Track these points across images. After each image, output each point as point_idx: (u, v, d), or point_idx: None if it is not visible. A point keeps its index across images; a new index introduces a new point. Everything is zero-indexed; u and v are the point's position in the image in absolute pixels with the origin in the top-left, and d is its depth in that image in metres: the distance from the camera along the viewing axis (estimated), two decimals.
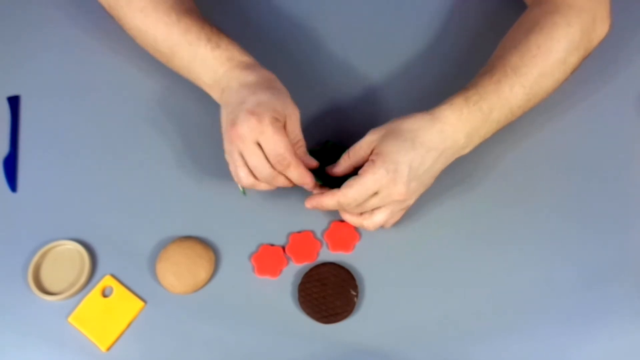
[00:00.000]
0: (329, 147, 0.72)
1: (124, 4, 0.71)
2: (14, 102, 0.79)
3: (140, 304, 0.66)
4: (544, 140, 0.74)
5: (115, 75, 0.80)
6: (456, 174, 0.72)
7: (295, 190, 0.72)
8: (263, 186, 0.66)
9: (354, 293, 0.63)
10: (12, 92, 0.80)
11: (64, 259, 0.69)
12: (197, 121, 0.77)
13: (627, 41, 0.80)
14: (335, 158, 0.70)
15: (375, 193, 0.63)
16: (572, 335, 0.64)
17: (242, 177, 0.64)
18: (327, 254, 0.69)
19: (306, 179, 0.65)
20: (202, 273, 0.67)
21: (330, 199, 0.64)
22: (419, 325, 0.65)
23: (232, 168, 0.66)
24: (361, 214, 0.66)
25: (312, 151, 0.72)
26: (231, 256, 0.69)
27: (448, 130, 0.63)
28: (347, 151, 0.66)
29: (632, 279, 0.66)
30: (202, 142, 0.75)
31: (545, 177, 0.72)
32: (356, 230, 0.70)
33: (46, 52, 0.82)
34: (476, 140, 0.65)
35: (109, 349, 0.65)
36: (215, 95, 0.69)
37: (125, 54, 0.80)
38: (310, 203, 0.65)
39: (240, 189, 0.69)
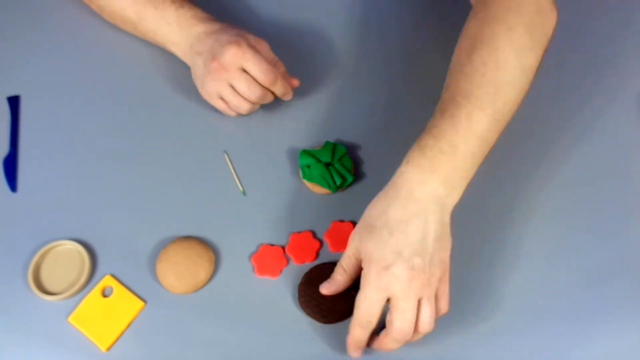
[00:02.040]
0: (329, 147, 0.72)
1: None
2: (14, 102, 0.79)
3: (140, 304, 0.66)
4: (543, 140, 0.74)
5: (115, 75, 0.80)
6: None
7: (295, 190, 0.72)
8: (256, 107, 0.72)
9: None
10: (12, 92, 0.80)
11: (64, 259, 0.69)
12: (197, 121, 0.77)
13: (627, 41, 0.80)
14: (334, 157, 0.70)
15: (388, 300, 0.57)
16: (572, 335, 0.64)
17: (239, 104, 0.70)
18: (327, 254, 0.69)
19: (288, 89, 0.71)
20: (202, 273, 0.67)
21: (354, 330, 0.59)
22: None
23: (221, 106, 0.72)
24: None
25: (312, 151, 0.72)
26: (231, 256, 0.69)
27: (416, 190, 0.57)
28: (339, 266, 0.62)
29: (632, 279, 0.66)
30: (202, 142, 0.75)
31: (544, 177, 0.72)
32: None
33: (46, 52, 0.82)
34: (459, 182, 0.58)
35: (109, 349, 0.65)
36: (182, 52, 0.73)
37: (125, 54, 0.80)
38: (356, 353, 0.61)
39: (241, 189, 0.69)
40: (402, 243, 0.56)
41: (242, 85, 0.68)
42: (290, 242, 0.69)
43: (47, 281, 0.68)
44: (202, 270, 0.67)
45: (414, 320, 0.57)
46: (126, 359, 0.65)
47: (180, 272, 0.67)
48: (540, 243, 0.69)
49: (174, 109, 0.78)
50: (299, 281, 0.67)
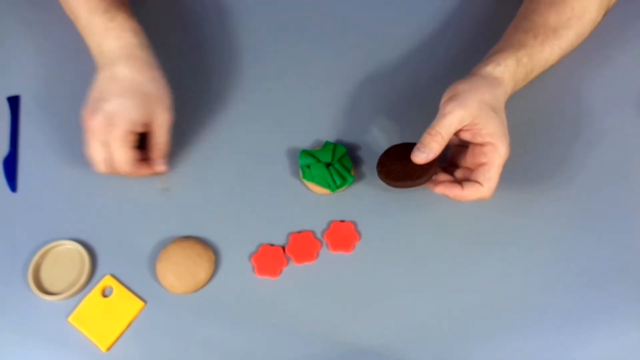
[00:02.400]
0: (329, 147, 0.72)
1: None
2: (14, 102, 0.79)
3: (140, 304, 0.66)
4: (543, 140, 0.74)
5: None
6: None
7: (295, 190, 0.72)
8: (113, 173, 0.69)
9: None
10: (12, 92, 0.80)
11: (64, 259, 0.69)
12: (196, 121, 0.76)
13: (627, 41, 0.80)
14: (334, 157, 0.70)
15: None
16: (572, 335, 0.64)
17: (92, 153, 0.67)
18: (327, 254, 0.69)
19: (141, 174, 0.69)
20: (202, 273, 0.67)
21: (473, 194, 0.63)
22: (419, 325, 0.65)
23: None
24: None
25: (312, 151, 0.72)
26: (231, 256, 0.69)
27: (508, 91, 0.65)
28: (433, 133, 0.62)
29: (632, 279, 0.66)
30: (202, 142, 0.75)
31: (544, 177, 0.72)
32: (356, 230, 0.70)
33: (46, 52, 0.82)
34: (511, 95, 0.67)
35: (109, 349, 0.65)
36: (98, 62, 0.70)
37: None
38: (442, 191, 0.64)
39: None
40: (506, 122, 0.64)
41: (93, 152, 0.67)
42: (290, 242, 0.69)
43: (47, 281, 0.68)
44: (202, 270, 0.67)
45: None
46: (126, 359, 0.65)
47: (180, 272, 0.67)
48: (540, 243, 0.69)
49: (174, 109, 0.78)
50: (299, 281, 0.67)
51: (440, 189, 0.64)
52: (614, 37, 0.80)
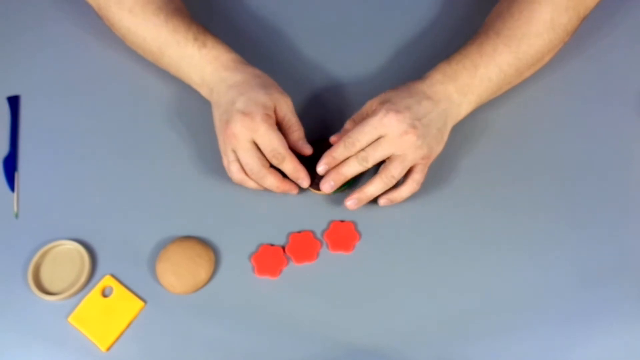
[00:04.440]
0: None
1: (112, 4, 0.72)
2: (14, 102, 0.79)
3: (140, 304, 0.66)
4: (543, 140, 0.74)
5: (115, 74, 0.80)
6: (455, 174, 0.72)
7: None
8: (251, 184, 0.68)
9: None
10: (12, 92, 0.80)
11: (64, 259, 0.69)
12: (196, 120, 0.76)
13: (627, 41, 0.80)
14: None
15: (381, 137, 0.64)
16: (572, 335, 0.64)
17: (234, 171, 0.67)
18: (327, 254, 0.69)
19: (300, 173, 0.67)
20: (202, 273, 0.67)
21: (337, 145, 0.66)
22: (419, 325, 0.65)
23: (225, 162, 0.69)
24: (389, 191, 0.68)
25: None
26: (231, 256, 0.69)
27: (437, 85, 0.67)
28: (350, 119, 0.69)
29: (632, 279, 0.66)
30: (202, 142, 0.75)
31: (545, 177, 0.72)
32: (356, 230, 0.70)
33: (46, 52, 0.82)
34: (471, 98, 0.68)
35: (109, 349, 0.65)
36: (204, 93, 0.71)
37: (125, 54, 0.80)
38: (322, 162, 0.67)
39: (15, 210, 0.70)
40: (414, 106, 0.65)
41: (246, 157, 0.66)
42: (290, 242, 0.69)
43: (47, 281, 0.68)
44: (202, 270, 0.67)
45: (377, 156, 0.65)
46: (126, 359, 0.65)
47: (180, 272, 0.67)
48: (540, 243, 0.69)
49: (174, 109, 0.78)
50: (299, 281, 0.67)
51: (383, 202, 0.68)
52: (613, 37, 0.80)
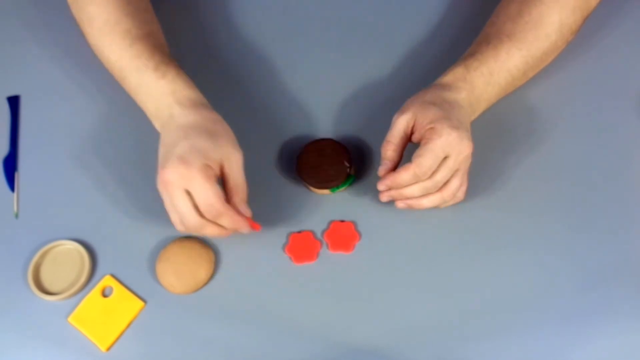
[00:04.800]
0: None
1: (85, 19, 0.72)
2: (14, 102, 0.79)
3: (140, 304, 0.66)
4: (543, 140, 0.74)
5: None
6: None
7: (295, 190, 0.72)
8: (208, 231, 0.62)
9: (347, 164, 0.69)
10: (12, 92, 0.80)
11: (64, 259, 0.69)
12: None
13: (627, 41, 0.80)
14: (330, 154, 0.70)
15: (446, 157, 0.63)
16: (572, 335, 0.64)
17: (175, 222, 0.62)
18: (327, 254, 0.69)
19: (240, 225, 0.63)
20: (202, 273, 0.67)
21: (406, 173, 0.63)
22: (419, 325, 0.65)
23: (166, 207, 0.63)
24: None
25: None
26: (231, 256, 0.69)
27: (461, 92, 0.66)
28: (385, 143, 0.66)
29: (632, 279, 0.66)
30: None
31: (545, 177, 0.72)
32: (356, 230, 0.70)
33: (46, 52, 0.82)
34: (483, 104, 0.69)
35: (109, 349, 0.65)
36: (157, 125, 0.67)
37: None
38: (384, 183, 0.65)
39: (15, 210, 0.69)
40: (460, 117, 0.64)
41: (180, 208, 0.60)
42: (290, 242, 0.69)
43: (47, 281, 0.68)
44: (202, 270, 0.67)
45: (443, 178, 0.63)
46: (126, 359, 0.65)
47: (180, 272, 0.67)
48: (540, 243, 0.69)
49: None
50: (299, 281, 0.67)
51: (381, 184, 0.66)
52: (613, 37, 0.80)
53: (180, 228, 0.63)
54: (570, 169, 0.72)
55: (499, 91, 0.70)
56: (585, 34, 0.79)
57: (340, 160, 0.70)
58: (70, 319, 0.66)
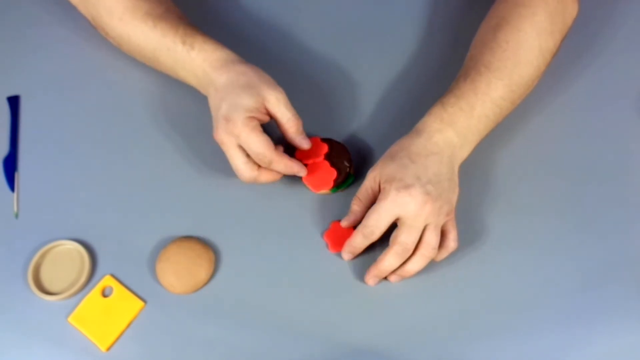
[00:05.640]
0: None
1: (104, 14, 0.72)
2: (14, 102, 0.79)
3: (140, 304, 0.66)
4: (543, 140, 0.74)
5: (115, 74, 0.80)
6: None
7: (295, 190, 0.72)
8: (263, 179, 0.67)
9: (347, 164, 0.70)
10: (12, 92, 0.80)
11: (64, 259, 0.69)
12: (196, 120, 0.76)
13: (627, 41, 0.80)
14: (330, 154, 0.70)
15: (398, 219, 0.62)
16: (572, 335, 0.64)
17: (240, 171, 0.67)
18: (327, 254, 0.69)
19: (293, 169, 0.67)
20: (202, 273, 0.67)
21: (355, 236, 0.65)
22: (418, 325, 0.65)
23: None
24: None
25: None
26: (231, 256, 0.69)
27: (435, 135, 0.65)
28: (355, 199, 0.68)
29: (632, 279, 0.66)
30: (202, 141, 0.75)
31: (545, 177, 0.72)
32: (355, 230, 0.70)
33: (46, 51, 0.82)
34: (471, 138, 0.66)
35: (108, 348, 0.65)
36: (204, 93, 0.70)
37: (125, 54, 0.80)
38: (347, 256, 0.67)
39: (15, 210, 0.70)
40: (420, 170, 0.63)
41: (235, 162, 0.66)
42: (331, 229, 0.70)
43: (47, 281, 0.68)
44: (202, 270, 0.67)
45: (416, 240, 0.63)
46: (126, 359, 0.65)
47: (180, 272, 0.67)
48: (539, 243, 0.69)
49: (174, 109, 0.78)
50: (299, 281, 0.67)
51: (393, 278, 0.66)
52: (613, 38, 0.80)
53: (241, 179, 0.67)
54: (570, 168, 0.72)
55: (488, 124, 0.67)
56: (585, 34, 0.79)
57: (340, 160, 0.70)
58: (70, 319, 0.66)
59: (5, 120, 0.78)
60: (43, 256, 0.69)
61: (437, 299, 0.66)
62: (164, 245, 0.69)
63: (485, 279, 0.67)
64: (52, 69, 0.81)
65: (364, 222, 0.64)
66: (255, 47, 0.82)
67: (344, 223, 0.69)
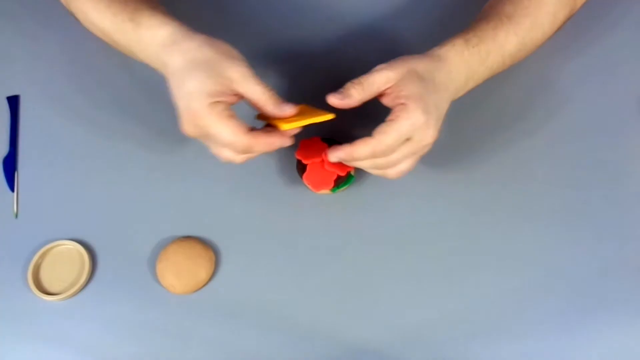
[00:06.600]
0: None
1: None
2: (13, 102, 0.79)
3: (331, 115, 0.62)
4: (544, 140, 0.74)
5: (115, 74, 0.80)
6: (456, 173, 0.72)
7: (296, 190, 0.72)
8: (254, 155, 0.62)
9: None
10: (12, 92, 0.80)
11: (64, 259, 0.69)
12: None
13: (627, 41, 0.80)
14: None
15: (408, 139, 0.59)
16: (572, 335, 0.64)
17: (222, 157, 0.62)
18: (327, 255, 0.69)
19: (275, 144, 0.60)
20: (202, 273, 0.67)
21: (364, 148, 0.59)
22: (418, 325, 0.65)
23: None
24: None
25: None
26: (231, 256, 0.69)
27: (453, 71, 0.63)
28: (355, 82, 0.61)
29: (632, 278, 0.66)
30: (203, 142, 0.75)
31: (545, 177, 0.72)
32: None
33: (46, 52, 0.82)
34: (471, 85, 0.66)
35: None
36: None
37: (125, 54, 0.80)
38: (336, 155, 0.61)
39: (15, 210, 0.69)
40: (439, 102, 0.61)
41: (213, 149, 0.61)
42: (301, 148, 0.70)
43: (47, 281, 0.68)
44: (202, 270, 0.67)
45: (398, 157, 0.60)
46: (126, 358, 0.64)
47: (180, 272, 0.67)
48: (540, 243, 0.69)
49: (174, 109, 0.78)
50: (299, 281, 0.67)
51: (333, 155, 0.61)
52: (614, 38, 0.80)
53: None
54: (571, 168, 0.72)
55: (489, 74, 0.67)
56: (585, 34, 0.79)
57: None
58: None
59: (5, 120, 0.78)
60: (43, 256, 0.69)
61: (437, 298, 0.66)
62: (164, 245, 0.69)
63: (485, 278, 0.67)
64: (52, 69, 0.81)
65: (379, 137, 0.58)
66: (255, 47, 0.82)
67: (334, 99, 0.60)
